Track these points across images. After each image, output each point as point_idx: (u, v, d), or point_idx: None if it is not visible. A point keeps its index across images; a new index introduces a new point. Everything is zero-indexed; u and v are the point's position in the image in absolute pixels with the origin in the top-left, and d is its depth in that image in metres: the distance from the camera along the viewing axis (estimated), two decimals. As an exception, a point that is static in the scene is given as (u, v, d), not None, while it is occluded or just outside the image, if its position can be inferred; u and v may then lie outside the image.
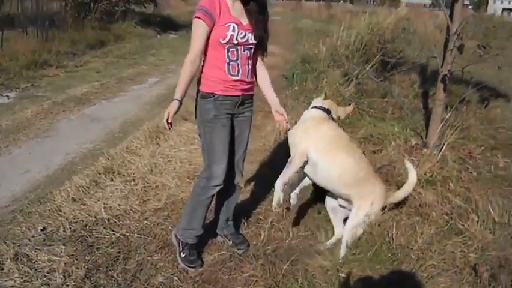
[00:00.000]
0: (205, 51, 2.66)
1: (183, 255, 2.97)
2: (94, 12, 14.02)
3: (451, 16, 4.39)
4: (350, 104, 3.68)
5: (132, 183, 4.08)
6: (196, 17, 2.55)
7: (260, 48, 2.79)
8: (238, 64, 2.66)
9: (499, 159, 4.50)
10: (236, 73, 2.67)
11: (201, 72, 2.73)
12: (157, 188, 4.03)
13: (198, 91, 2.74)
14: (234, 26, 2.57)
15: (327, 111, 3.13)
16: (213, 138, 2.75)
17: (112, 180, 4.12)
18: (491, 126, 5.37)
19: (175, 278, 2.84)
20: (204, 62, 2.71)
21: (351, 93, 6.11)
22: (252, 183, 4.18)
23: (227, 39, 2.57)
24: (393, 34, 8.54)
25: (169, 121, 2.60)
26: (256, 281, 2.79)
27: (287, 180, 2.92)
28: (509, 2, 78.79)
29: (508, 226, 3.19)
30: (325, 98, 3.22)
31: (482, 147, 4.71)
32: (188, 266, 2.96)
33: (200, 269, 2.94)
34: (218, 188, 2.85)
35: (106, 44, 12.61)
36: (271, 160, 4.69)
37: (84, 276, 2.79)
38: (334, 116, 3.18)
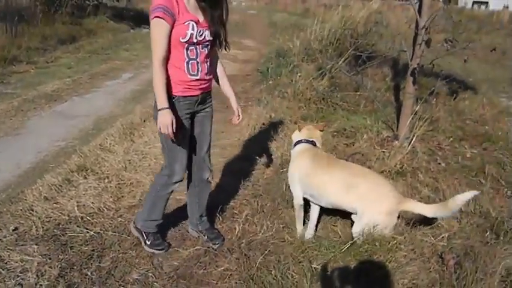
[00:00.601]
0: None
1: (149, 242, 3.05)
2: (64, 6, 13.69)
3: (419, 11, 4.49)
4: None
5: (106, 180, 4.05)
6: (155, 16, 2.43)
7: (216, 43, 2.75)
8: (197, 62, 2.65)
9: (466, 149, 4.65)
10: (196, 72, 2.66)
11: None
12: (131, 185, 4.02)
13: None
14: (193, 24, 2.53)
15: (312, 143, 3.28)
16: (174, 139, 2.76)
17: (85, 178, 4.09)
18: (459, 118, 5.54)
19: (150, 274, 2.85)
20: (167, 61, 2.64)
21: (325, 87, 6.19)
22: (227, 178, 4.20)
23: (187, 37, 2.53)
24: (365, 28, 8.65)
25: (173, 131, 2.56)
26: (231, 274, 2.83)
27: (301, 221, 3.26)
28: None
29: (473, 215, 3.30)
30: (299, 129, 3.36)
31: (451, 139, 4.86)
32: (156, 250, 3.05)
33: (175, 264, 2.96)
34: (178, 183, 2.92)
35: (77, 39, 12.36)
36: (245, 155, 4.72)
37: (58, 275, 2.77)
38: (318, 143, 3.34)
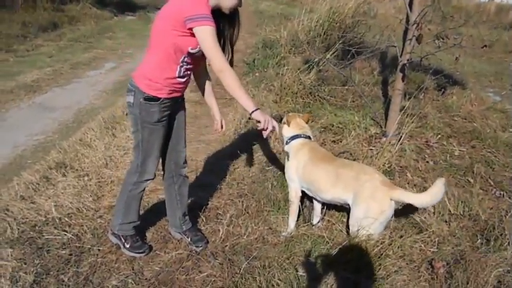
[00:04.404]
0: (158, 49, 2.50)
1: (128, 246, 2.95)
2: (46, -8, 13.32)
3: (410, 5, 4.38)
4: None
5: (86, 178, 3.90)
6: (208, 24, 2.33)
7: None
8: (189, 68, 2.61)
9: (455, 147, 4.58)
10: (184, 75, 2.61)
11: (144, 69, 2.57)
12: (112, 183, 3.87)
13: (138, 89, 2.55)
14: None
15: (305, 136, 3.24)
16: (151, 139, 2.68)
17: (64, 175, 3.94)
18: (448, 114, 5.47)
19: (130, 280, 2.73)
20: (150, 59, 2.56)
21: (312, 81, 6.06)
22: (212, 176, 4.08)
23: (197, 49, 2.46)
24: (354, 20, 8.53)
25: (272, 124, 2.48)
26: (214, 280, 2.72)
27: (295, 218, 3.21)
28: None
29: (462, 218, 3.24)
30: (289, 124, 3.29)
31: (439, 136, 4.78)
32: (137, 253, 2.95)
33: (156, 269, 2.85)
34: (150, 181, 2.85)
35: (59, 27, 12.04)
36: (230, 151, 4.59)
37: (33, 282, 2.65)
38: (311, 136, 3.32)
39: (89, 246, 3.01)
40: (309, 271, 2.66)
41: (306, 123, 3.36)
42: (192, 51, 2.47)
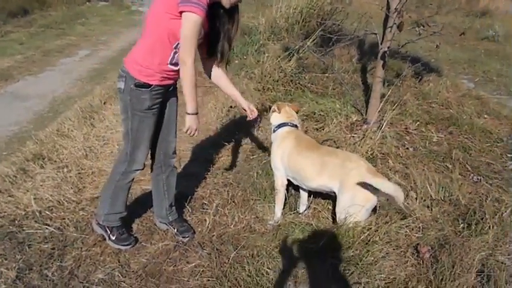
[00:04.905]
0: (151, 34, 2.46)
1: (113, 238, 2.90)
2: (13, -25, 12.81)
3: (390, -8, 4.39)
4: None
5: (65, 170, 3.80)
6: (195, 12, 2.28)
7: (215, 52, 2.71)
8: None
9: (433, 134, 4.66)
10: (176, 63, 2.54)
11: (136, 54, 2.53)
12: (93, 174, 3.80)
13: (129, 75, 2.50)
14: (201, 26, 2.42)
15: (292, 125, 3.24)
16: (141, 127, 2.63)
17: (42, 167, 3.83)
18: (425, 101, 5.55)
19: (117, 273, 2.69)
20: (143, 43, 2.51)
21: (293, 69, 6.04)
22: (195, 166, 4.04)
23: None
24: (332, 6, 8.51)
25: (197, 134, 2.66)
26: (202, 271, 2.70)
27: (282, 206, 3.21)
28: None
29: (443, 203, 3.31)
30: (279, 110, 3.29)
31: (418, 123, 4.86)
32: (123, 245, 2.90)
33: (143, 260, 2.81)
34: (139, 171, 2.81)
35: (29, 12, 11.63)
36: (214, 140, 4.56)
37: (15, 278, 2.59)
38: (299, 125, 3.32)
39: (73, 239, 2.95)
40: (297, 259, 2.68)
41: (297, 113, 3.35)
42: None
